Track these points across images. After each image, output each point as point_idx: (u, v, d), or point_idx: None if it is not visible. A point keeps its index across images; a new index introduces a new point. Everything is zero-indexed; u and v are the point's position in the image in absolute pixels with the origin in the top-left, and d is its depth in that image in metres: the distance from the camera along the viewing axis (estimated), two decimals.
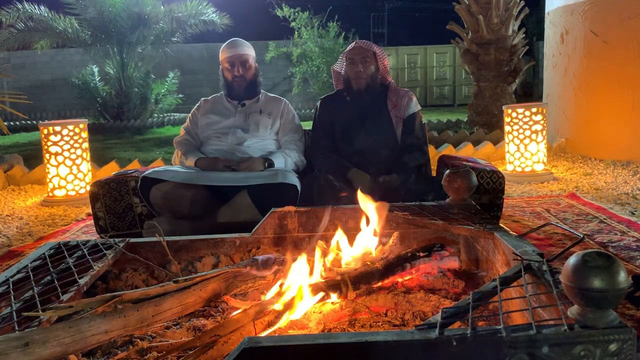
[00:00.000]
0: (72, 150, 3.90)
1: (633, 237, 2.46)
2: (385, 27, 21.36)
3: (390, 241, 1.70)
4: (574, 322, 0.89)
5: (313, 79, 12.37)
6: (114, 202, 2.41)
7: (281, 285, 1.42)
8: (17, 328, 1.12)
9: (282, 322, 1.30)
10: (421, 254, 1.66)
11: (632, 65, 4.55)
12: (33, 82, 12.71)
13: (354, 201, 1.87)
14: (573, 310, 0.91)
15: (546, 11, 5.81)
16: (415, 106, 2.63)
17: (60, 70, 12.64)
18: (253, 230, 1.84)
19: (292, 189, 2.30)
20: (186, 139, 2.71)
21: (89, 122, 4.51)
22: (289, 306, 1.32)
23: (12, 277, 1.39)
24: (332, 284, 1.44)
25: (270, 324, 1.28)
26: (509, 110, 4.28)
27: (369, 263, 1.56)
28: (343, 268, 1.56)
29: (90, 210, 2.86)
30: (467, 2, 6.43)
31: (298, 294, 1.34)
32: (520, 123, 4.20)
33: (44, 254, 1.58)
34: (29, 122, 9.84)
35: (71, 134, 3.88)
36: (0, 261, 2.53)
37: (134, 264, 1.73)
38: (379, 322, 1.38)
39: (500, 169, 2.70)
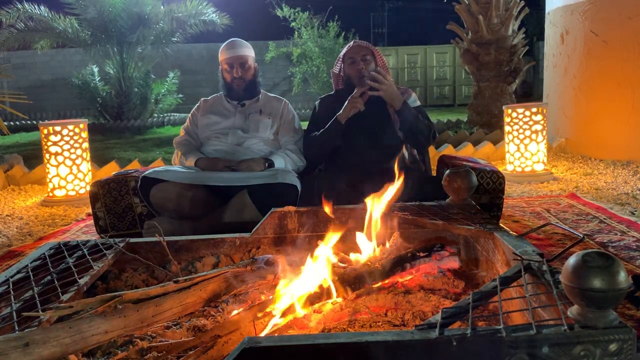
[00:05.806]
0: (72, 150, 3.90)
1: (633, 237, 2.46)
2: (385, 27, 21.34)
3: (390, 241, 1.70)
4: (574, 322, 0.89)
5: (313, 79, 12.35)
6: (114, 202, 2.41)
7: (277, 285, 1.42)
8: (17, 328, 1.11)
9: (282, 322, 1.30)
10: (421, 254, 1.66)
11: (632, 65, 4.55)
12: (33, 82, 12.70)
13: (355, 201, 1.87)
14: (573, 310, 0.90)
15: (546, 11, 5.81)
16: (415, 102, 2.62)
17: (60, 70, 12.62)
18: (253, 230, 1.84)
19: (292, 189, 2.30)
20: (186, 140, 2.70)
21: (89, 122, 4.51)
22: (288, 309, 1.32)
23: (12, 277, 1.39)
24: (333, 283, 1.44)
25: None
26: (509, 110, 4.28)
27: (369, 263, 1.56)
28: (343, 268, 1.56)
29: (90, 210, 2.86)
30: (467, 2, 6.42)
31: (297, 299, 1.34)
32: (520, 123, 4.20)
33: (44, 254, 1.58)
34: (29, 122, 9.83)
35: (71, 134, 3.88)
36: (0, 261, 2.53)
37: (134, 264, 1.73)
38: (379, 322, 1.38)
39: (500, 169, 2.70)
